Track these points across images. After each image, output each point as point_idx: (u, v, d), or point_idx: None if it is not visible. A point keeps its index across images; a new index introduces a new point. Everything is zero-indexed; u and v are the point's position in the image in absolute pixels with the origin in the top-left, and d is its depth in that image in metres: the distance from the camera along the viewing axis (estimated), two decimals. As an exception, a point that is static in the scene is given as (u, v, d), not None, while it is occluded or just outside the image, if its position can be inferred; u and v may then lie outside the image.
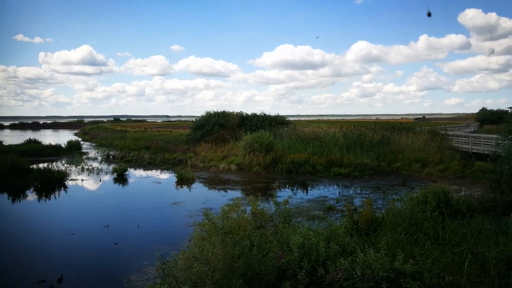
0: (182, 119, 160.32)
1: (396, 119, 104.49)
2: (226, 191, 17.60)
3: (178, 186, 19.06)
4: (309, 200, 15.23)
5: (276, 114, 36.60)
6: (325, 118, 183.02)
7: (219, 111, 35.25)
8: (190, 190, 18.27)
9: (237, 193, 17.12)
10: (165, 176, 22.50)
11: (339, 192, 16.77)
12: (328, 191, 17.06)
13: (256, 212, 7.97)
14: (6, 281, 8.23)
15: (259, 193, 12.55)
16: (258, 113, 36.01)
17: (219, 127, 32.41)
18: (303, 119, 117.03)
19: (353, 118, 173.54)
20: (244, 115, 35.85)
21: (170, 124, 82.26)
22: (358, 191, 17.12)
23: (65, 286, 7.89)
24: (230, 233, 6.16)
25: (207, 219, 6.72)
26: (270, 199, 14.51)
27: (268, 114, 36.12)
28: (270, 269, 5.76)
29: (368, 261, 5.67)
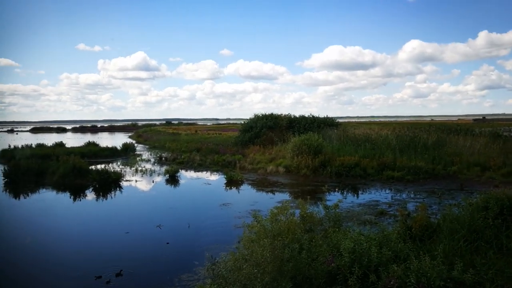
0: (231, 121, 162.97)
1: (452, 120, 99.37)
2: (274, 194, 17.59)
3: (227, 188, 19.34)
4: (360, 204, 14.83)
5: (325, 116, 36.12)
6: (376, 119, 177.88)
7: (267, 113, 35.39)
8: (238, 192, 18.46)
9: (285, 196, 17.06)
10: (214, 177, 22.92)
11: (391, 196, 16.18)
12: (380, 195, 16.51)
13: (305, 215, 7.89)
14: (64, 277, 8.73)
15: (308, 196, 12.41)
16: (306, 115, 35.74)
17: (267, 129, 32.51)
18: (354, 120, 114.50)
19: (406, 119, 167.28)
20: (292, 117, 35.69)
21: (219, 127, 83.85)
22: (412, 195, 16.41)
23: (122, 281, 8.24)
24: (279, 235, 6.13)
25: (256, 221, 6.74)
26: (319, 202, 14.32)
27: (317, 116, 35.72)
28: (319, 274, 5.66)
29: (423, 268, 5.41)
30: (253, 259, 5.63)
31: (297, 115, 36.24)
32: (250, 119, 35.16)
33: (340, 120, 38.95)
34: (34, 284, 8.44)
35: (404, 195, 16.40)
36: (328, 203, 8.76)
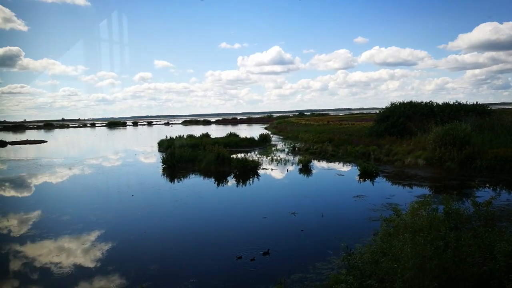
0: (365, 111, 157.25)
1: None
2: (412, 187, 16.48)
3: (361, 179, 18.84)
4: (519, 203, 12.87)
5: (474, 103, 32.07)
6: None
7: (405, 101, 33.16)
8: (373, 184, 17.83)
9: (425, 190, 15.84)
10: (347, 168, 22.55)
11: (562, 196, 13.63)
12: (546, 194, 14.06)
13: (450, 211, 7.22)
14: (207, 256, 9.71)
15: (454, 192, 11.29)
16: (451, 103, 32.29)
17: (405, 118, 30.45)
18: (510, 107, 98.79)
19: None
20: (434, 105, 32.67)
21: (352, 117, 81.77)
22: None
23: (264, 261, 8.82)
24: (420, 231, 5.77)
25: (396, 214, 6.45)
26: (466, 198, 12.92)
27: (464, 103, 31.95)
28: (468, 276, 5.15)
29: None
30: (391, 253, 5.43)
31: (439, 102, 33.05)
32: (386, 108, 33.40)
33: (493, 107, 34.04)
34: (184, 261, 9.62)
35: None
36: (478, 200, 7.83)
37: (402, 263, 5.05)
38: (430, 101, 33.60)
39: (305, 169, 22.17)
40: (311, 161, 23.74)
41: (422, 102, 33.12)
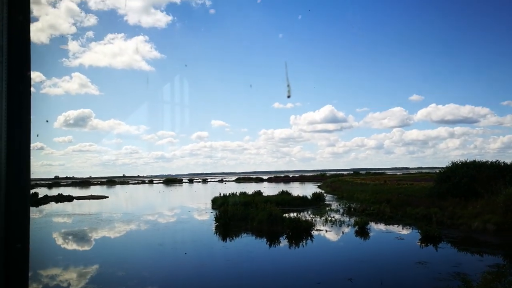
0: (423, 170, 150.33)
1: None
2: (483, 255, 15.10)
3: (423, 244, 17.62)
4: None
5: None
6: None
7: (467, 161, 31.41)
8: (436, 250, 16.57)
9: (498, 259, 14.41)
10: (407, 232, 21.28)
11: None
12: None
13: (528, 285, 6.50)
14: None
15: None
16: (522, 162, 30.01)
17: (469, 179, 28.63)
18: None
19: None
20: (502, 164, 30.57)
21: (410, 177, 78.38)
22: None
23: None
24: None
25: (466, 286, 5.92)
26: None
27: (538, 162, 29.54)
28: None
29: None
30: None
31: (508, 162, 30.88)
32: (447, 167, 31.74)
33: None
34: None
35: None
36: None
37: None
38: (497, 160, 31.53)
39: (362, 232, 21.22)
40: (368, 223, 22.73)
41: (488, 162, 31.15)
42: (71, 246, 19.97)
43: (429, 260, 14.40)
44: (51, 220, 30.80)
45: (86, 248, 19.42)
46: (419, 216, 24.26)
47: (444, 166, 32.77)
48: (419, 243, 17.87)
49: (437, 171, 35.43)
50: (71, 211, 39.16)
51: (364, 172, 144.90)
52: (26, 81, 1.46)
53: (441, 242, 17.85)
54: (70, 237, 22.35)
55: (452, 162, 31.83)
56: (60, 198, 54.91)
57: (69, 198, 56.19)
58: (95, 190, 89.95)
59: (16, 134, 1.40)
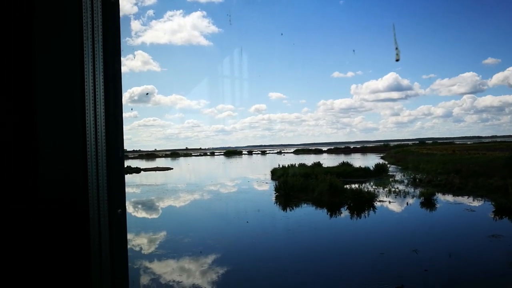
0: (498, 139, 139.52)
1: None
2: None
3: (497, 217, 16.49)
4: None
5: None
6: None
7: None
8: (513, 223, 15.45)
9: None
10: (478, 203, 20.00)
11: None
12: None
13: None
14: None
15: None
16: None
17: (553, 148, 26.07)
18: None
19: None
20: None
21: (483, 146, 73.14)
22: None
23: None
24: None
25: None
26: None
27: None
28: None
29: None
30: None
31: None
32: (527, 135, 29.11)
33: None
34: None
35: None
36: None
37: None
38: None
39: (428, 203, 20.30)
40: (434, 194, 21.65)
41: None
42: (141, 214, 21.32)
43: (504, 234, 13.46)
44: (122, 190, 33.00)
45: (154, 216, 20.64)
46: (493, 187, 22.64)
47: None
48: (493, 216, 16.75)
49: (514, 140, 32.62)
50: (139, 182, 41.67)
51: (431, 142, 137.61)
52: (118, 60, 1.50)
53: (518, 215, 16.58)
54: (139, 206, 23.85)
55: (532, 129, 29.09)
56: (129, 170, 58.65)
57: (137, 170, 59.77)
58: (160, 162, 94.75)
59: (111, 110, 1.47)
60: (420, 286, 9.12)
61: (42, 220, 1.34)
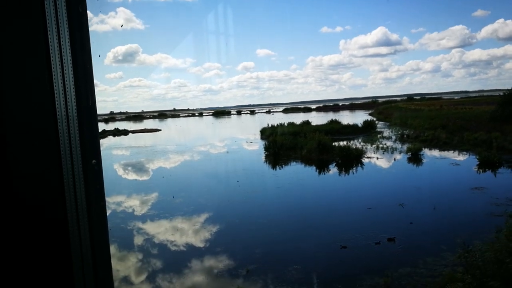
0: (485, 94, 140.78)
1: None
2: (547, 180, 14.31)
3: (480, 170, 16.96)
4: None
5: None
6: None
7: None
8: (495, 175, 15.92)
9: None
10: (463, 157, 20.49)
11: None
12: None
13: None
14: (310, 244, 9.67)
15: None
16: None
17: (537, 101, 26.44)
18: None
19: None
20: None
21: (470, 101, 73.85)
22: None
23: (369, 252, 8.54)
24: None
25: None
26: None
27: None
28: None
29: None
30: (521, 254, 4.77)
31: None
32: (513, 89, 29.36)
33: None
34: (287, 247, 9.74)
35: None
36: None
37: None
38: None
39: (415, 158, 20.71)
40: (421, 149, 22.04)
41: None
42: (131, 176, 21.42)
43: (487, 186, 13.91)
44: (110, 153, 32.94)
45: (145, 177, 20.75)
46: (478, 141, 23.09)
47: (510, 87, 30.33)
48: (476, 169, 17.22)
49: (501, 93, 32.95)
50: (127, 144, 41.51)
51: (419, 97, 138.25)
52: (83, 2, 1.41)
53: (501, 167, 17.06)
54: (129, 168, 23.91)
55: (519, 83, 29.30)
56: (116, 132, 58.24)
57: (125, 132, 59.37)
58: (148, 123, 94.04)
59: (80, 72, 1.40)
60: (405, 238, 9.47)
61: (14, 182, 1.32)
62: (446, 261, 7.77)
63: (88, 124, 1.40)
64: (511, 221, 6.11)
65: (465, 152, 21.73)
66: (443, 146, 24.30)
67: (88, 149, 1.39)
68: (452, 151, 22.44)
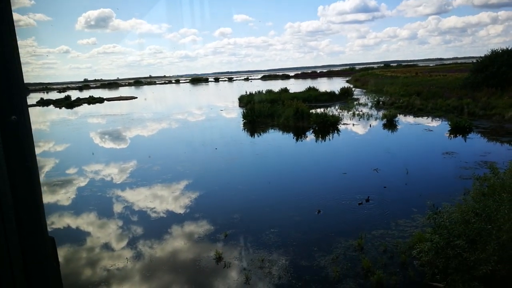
0: (459, 61, 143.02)
1: None
2: (514, 145, 14.93)
3: (452, 135, 17.51)
4: None
5: None
6: None
7: (509, 48, 29.33)
8: (465, 140, 16.49)
9: (529, 148, 14.26)
10: (436, 123, 21.06)
11: None
12: None
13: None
14: (287, 209, 9.91)
15: None
16: None
17: (508, 68, 27.09)
18: None
19: None
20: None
21: (444, 68, 74.95)
22: None
23: (344, 216, 8.84)
24: (521, 192, 5.25)
25: (493, 173, 5.92)
26: None
27: None
28: None
29: None
30: (485, 213, 5.05)
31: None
32: (486, 56, 29.89)
33: None
34: (265, 212, 9.95)
35: None
36: None
37: (497, 224, 4.68)
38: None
39: (390, 124, 21.15)
40: (396, 116, 22.48)
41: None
42: (108, 144, 21.11)
43: (457, 150, 14.43)
44: (86, 121, 32.22)
45: (123, 146, 20.50)
46: (450, 107, 23.72)
47: (483, 55, 30.87)
48: (448, 135, 17.76)
49: (474, 61, 33.57)
50: (103, 112, 40.61)
51: (395, 64, 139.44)
52: None
53: (471, 132, 17.66)
54: (106, 137, 23.51)
55: (492, 50, 29.86)
56: (91, 100, 56.71)
57: (100, 100, 57.90)
58: (123, 91, 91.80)
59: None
60: (378, 202, 9.82)
61: None
62: (416, 222, 8.14)
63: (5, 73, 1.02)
64: (477, 184, 6.40)
65: (438, 118, 22.31)
66: (417, 112, 24.85)
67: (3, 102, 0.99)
68: (426, 117, 22.99)
